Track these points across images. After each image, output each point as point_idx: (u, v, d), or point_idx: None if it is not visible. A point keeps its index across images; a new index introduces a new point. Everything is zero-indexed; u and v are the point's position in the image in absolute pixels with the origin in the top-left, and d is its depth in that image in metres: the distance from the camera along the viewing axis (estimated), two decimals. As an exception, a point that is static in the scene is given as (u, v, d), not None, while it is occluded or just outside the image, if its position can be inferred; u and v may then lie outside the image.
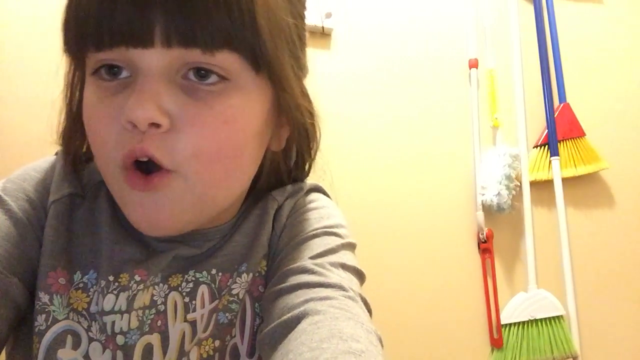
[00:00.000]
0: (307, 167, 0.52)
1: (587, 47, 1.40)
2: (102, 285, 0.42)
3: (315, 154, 0.51)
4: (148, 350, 0.41)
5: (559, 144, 1.28)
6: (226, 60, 0.36)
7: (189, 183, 0.38)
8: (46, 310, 0.40)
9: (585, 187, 1.29)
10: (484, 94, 1.31)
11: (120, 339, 0.41)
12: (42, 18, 1.15)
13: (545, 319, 1.16)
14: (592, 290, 1.22)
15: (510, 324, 1.16)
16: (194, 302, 0.43)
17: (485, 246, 1.20)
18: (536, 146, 1.29)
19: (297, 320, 0.36)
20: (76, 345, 0.41)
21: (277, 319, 0.38)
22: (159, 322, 0.42)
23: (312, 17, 1.24)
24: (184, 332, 0.42)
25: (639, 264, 1.27)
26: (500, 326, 1.16)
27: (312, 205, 0.50)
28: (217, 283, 0.44)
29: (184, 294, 0.43)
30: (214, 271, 0.44)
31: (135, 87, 0.36)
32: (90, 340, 0.41)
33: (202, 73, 0.37)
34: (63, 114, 0.47)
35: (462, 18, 1.36)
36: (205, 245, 0.45)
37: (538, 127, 1.31)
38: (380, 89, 1.27)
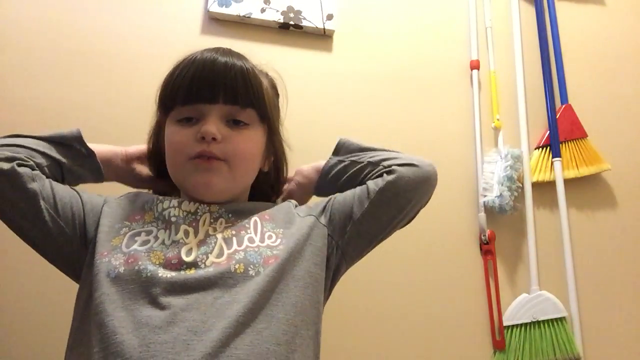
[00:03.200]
0: (281, 179, 0.87)
1: (588, 48, 1.40)
2: (162, 199, 0.73)
3: (286, 173, 0.86)
4: (187, 232, 0.68)
5: (560, 145, 1.27)
6: (249, 114, 0.73)
7: (230, 169, 0.71)
8: (129, 227, 0.70)
9: (587, 189, 1.29)
10: (485, 96, 1.31)
11: (173, 219, 0.69)
12: (42, 19, 1.16)
13: (547, 320, 1.16)
14: (595, 292, 1.22)
15: (512, 326, 1.16)
16: (216, 221, 0.71)
17: (487, 248, 1.20)
18: (538, 147, 1.29)
19: None
20: (149, 234, 0.68)
21: None
22: (194, 223, 0.69)
23: (314, 18, 1.25)
24: (207, 229, 0.69)
25: (641, 265, 1.27)
26: (502, 328, 1.15)
27: None
28: (232, 217, 0.72)
29: (212, 218, 0.71)
30: (232, 213, 0.73)
31: (204, 122, 0.70)
32: (158, 230, 0.68)
33: (236, 122, 0.73)
34: (148, 151, 0.83)
35: (464, 19, 1.36)
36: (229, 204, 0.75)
37: (540, 128, 1.31)
38: (381, 90, 1.27)
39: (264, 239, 0.69)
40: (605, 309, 1.21)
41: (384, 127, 1.25)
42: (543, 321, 1.16)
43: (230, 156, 0.71)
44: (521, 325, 1.16)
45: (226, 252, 0.66)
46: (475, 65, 1.31)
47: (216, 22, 1.23)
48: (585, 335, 1.17)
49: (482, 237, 1.20)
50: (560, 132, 1.28)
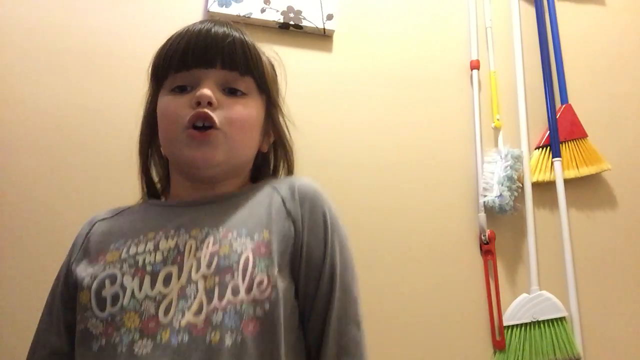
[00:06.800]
0: (286, 171, 0.79)
1: (588, 48, 1.40)
2: (135, 240, 0.64)
3: (292, 162, 0.78)
4: (168, 276, 0.60)
5: (560, 145, 1.27)
6: (247, 82, 0.69)
7: (227, 138, 0.65)
8: (91, 274, 0.63)
9: (587, 189, 1.29)
10: (485, 96, 1.31)
11: (149, 268, 0.60)
12: (42, 19, 1.16)
13: (547, 320, 1.15)
14: (595, 292, 1.22)
15: (512, 326, 1.16)
16: (202, 245, 0.61)
17: (487, 248, 1.20)
18: (538, 147, 1.29)
19: None
20: (113, 282, 0.60)
21: None
22: (179, 258, 0.61)
23: (314, 18, 1.24)
24: (192, 265, 0.60)
25: (641, 265, 1.27)
26: (502, 328, 1.15)
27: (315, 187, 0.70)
28: (219, 234, 0.62)
29: (198, 240, 0.62)
30: (220, 228, 0.63)
31: (199, 88, 0.65)
32: (123, 274, 0.61)
33: (233, 91, 0.68)
34: (140, 128, 0.76)
35: (464, 19, 1.36)
36: (217, 208, 0.66)
37: (540, 128, 1.31)
38: (381, 90, 1.27)
39: (252, 286, 0.57)
40: (605, 309, 1.21)
41: (383, 127, 1.25)
42: (543, 321, 1.16)
43: (226, 124, 0.65)
44: (521, 325, 1.16)
45: (205, 309, 0.57)
46: (475, 65, 1.31)
47: (216, 22, 1.23)
48: (585, 335, 1.17)
49: (482, 237, 1.20)
50: (560, 132, 1.28)
